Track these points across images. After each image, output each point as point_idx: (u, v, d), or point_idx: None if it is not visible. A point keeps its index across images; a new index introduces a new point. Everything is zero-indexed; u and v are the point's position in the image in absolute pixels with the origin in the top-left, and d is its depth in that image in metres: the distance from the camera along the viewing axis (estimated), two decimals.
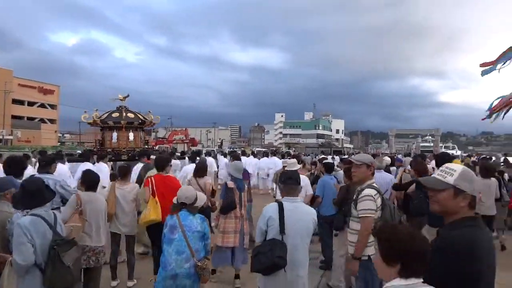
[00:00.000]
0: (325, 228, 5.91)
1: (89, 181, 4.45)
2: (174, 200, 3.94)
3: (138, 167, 7.77)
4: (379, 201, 3.61)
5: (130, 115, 14.13)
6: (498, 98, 26.56)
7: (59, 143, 58.07)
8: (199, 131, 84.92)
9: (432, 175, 2.21)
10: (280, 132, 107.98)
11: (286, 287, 3.28)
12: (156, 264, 5.43)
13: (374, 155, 19.82)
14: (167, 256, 3.63)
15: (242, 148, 46.22)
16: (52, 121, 62.18)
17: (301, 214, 3.36)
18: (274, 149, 54.34)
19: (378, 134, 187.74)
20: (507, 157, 16.49)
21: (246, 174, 7.36)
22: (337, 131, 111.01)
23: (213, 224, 5.83)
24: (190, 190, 4.03)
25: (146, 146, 15.11)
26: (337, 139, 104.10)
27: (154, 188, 5.32)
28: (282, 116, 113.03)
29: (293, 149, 56.85)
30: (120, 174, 5.73)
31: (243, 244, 5.39)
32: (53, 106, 61.55)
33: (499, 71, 23.20)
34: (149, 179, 5.48)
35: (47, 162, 5.58)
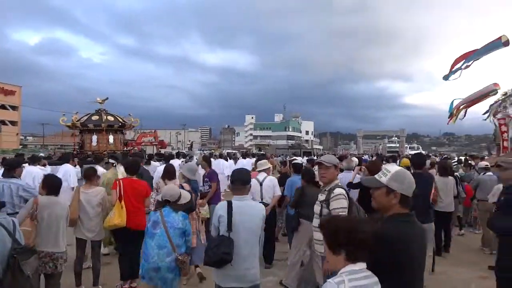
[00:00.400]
0: (290, 227, 6.04)
1: (50, 185, 4.32)
2: (159, 197, 4.17)
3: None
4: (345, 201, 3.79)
5: (110, 118, 14.01)
6: (455, 99, 27.65)
7: (21, 146, 55.89)
8: (168, 133, 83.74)
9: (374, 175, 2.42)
10: (251, 134, 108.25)
11: (237, 279, 3.41)
12: (122, 270, 5.34)
13: (342, 156, 20.28)
14: (149, 249, 3.86)
15: (236, 151, 45.95)
16: (13, 123, 59.74)
17: (250, 211, 3.49)
18: (245, 151, 54.34)
19: (346, 135, 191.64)
20: (468, 157, 17.17)
21: (215, 176, 7.34)
22: (307, 133, 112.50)
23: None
24: (174, 188, 4.22)
25: (126, 149, 15.07)
26: (306, 141, 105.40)
27: (122, 191, 5.22)
28: (252, 117, 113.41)
29: (264, 150, 57.09)
30: (85, 177, 5.56)
31: (201, 242, 5.45)
32: (14, 108, 59.22)
33: (460, 75, 24.17)
34: (117, 182, 5.38)
35: (11, 166, 5.43)
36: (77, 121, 13.54)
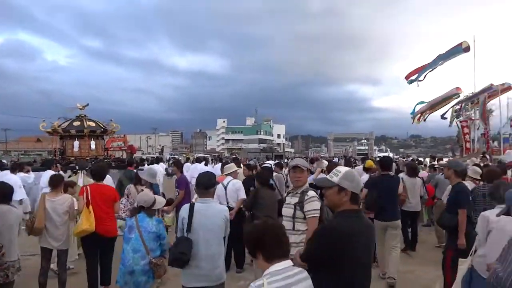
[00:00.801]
0: None
1: (1, 193, 4.22)
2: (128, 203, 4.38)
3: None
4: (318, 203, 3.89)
5: (91, 123, 14.06)
6: (419, 103, 28.62)
7: None
8: (138, 137, 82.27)
9: (325, 176, 2.66)
10: (223, 138, 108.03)
11: (201, 278, 3.51)
12: (90, 279, 5.18)
13: (313, 159, 20.50)
14: (125, 254, 4.03)
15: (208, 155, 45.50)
16: None
17: (211, 213, 3.61)
18: (217, 155, 54.12)
19: (318, 138, 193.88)
20: (433, 159, 17.76)
21: (183, 183, 7.24)
22: (279, 136, 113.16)
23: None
24: (148, 194, 4.38)
25: (107, 155, 15.28)
26: (278, 144, 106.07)
27: (89, 197, 5.09)
28: (224, 121, 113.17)
29: (235, 154, 57.01)
30: (50, 185, 5.38)
31: None
32: None
33: (423, 79, 24.99)
34: (84, 188, 5.25)
35: None
36: (58, 127, 13.46)
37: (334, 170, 2.55)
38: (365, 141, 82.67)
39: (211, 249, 3.54)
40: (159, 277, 4.18)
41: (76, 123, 13.99)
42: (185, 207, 3.65)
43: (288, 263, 2.04)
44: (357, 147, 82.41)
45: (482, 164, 11.22)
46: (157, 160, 14.08)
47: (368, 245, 2.46)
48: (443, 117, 27.99)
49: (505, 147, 20.69)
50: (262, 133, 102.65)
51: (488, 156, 16.07)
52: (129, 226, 4.13)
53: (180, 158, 26.94)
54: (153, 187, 5.66)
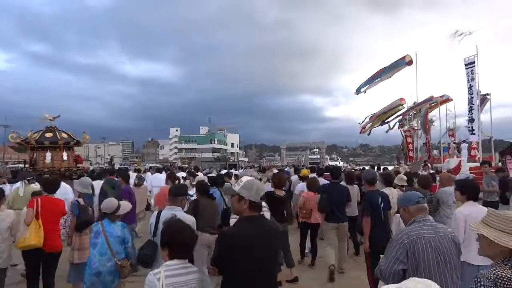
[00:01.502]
0: None
1: None
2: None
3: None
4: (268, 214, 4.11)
5: (64, 135, 14.19)
6: (368, 116, 29.71)
7: None
8: (86, 147, 78.92)
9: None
10: (175, 147, 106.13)
11: None
12: None
13: (265, 168, 20.51)
14: (92, 257, 4.28)
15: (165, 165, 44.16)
16: None
17: None
18: (169, 164, 53.02)
19: (271, 147, 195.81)
20: (377, 168, 18.46)
21: (126, 195, 6.95)
22: (232, 145, 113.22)
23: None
24: (112, 201, 4.57)
25: (78, 166, 15.52)
26: (232, 153, 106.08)
27: (39, 210, 4.86)
28: (177, 130, 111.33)
29: (188, 164, 56.24)
30: None
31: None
32: None
33: (365, 92, 26.03)
34: (34, 200, 5.01)
35: None
36: (32, 137, 13.40)
37: (238, 180, 2.80)
38: (317, 150, 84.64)
39: None
40: (124, 277, 4.44)
41: (49, 135, 13.87)
42: (154, 214, 4.02)
43: (183, 261, 2.48)
44: (310, 156, 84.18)
45: (425, 172, 11.83)
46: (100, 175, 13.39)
47: (267, 249, 2.62)
48: (390, 125, 29.36)
49: (444, 155, 22.00)
50: (216, 142, 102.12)
51: (429, 164, 16.95)
52: (96, 232, 4.38)
53: (131, 167, 26.11)
54: (86, 197, 5.49)
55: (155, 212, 4.05)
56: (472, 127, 17.67)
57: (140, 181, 9.06)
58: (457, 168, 14.07)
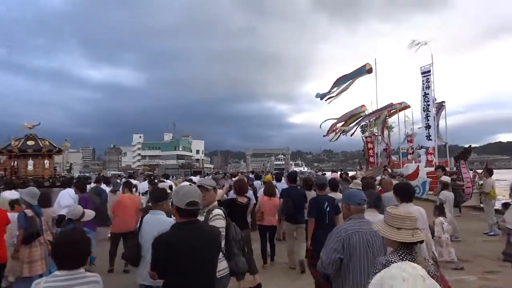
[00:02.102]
0: None
1: None
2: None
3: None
4: (223, 221, 3.93)
5: (46, 142, 14.26)
6: (328, 119, 30.29)
7: None
8: None
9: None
10: (139, 154, 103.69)
11: (146, 277, 3.65)
12: None
13: (232, 174, 20.42)
14: None
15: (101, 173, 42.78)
16: None
17: (157, 223, 3.94)
18: (132, 172, 51.75)
19: (237, 154, 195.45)
20: (343, 173, 18.81)
21: (84, 202, 6.75)
22: (197, 152, 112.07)
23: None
24: (77, 208, 4.79)
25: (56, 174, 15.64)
26: (197, 160, 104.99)
27: None
28: (140, 137, 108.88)
29: (154, 171, 55.16)
30: None
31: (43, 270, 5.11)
32: None
33: (327, 102, 26.59)
34: None
35: None
36: (15, 146, 13.56)
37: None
38: (282, 156, 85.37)
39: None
40: None
41: (30, 143, 14.00)
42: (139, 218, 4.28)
43: (76, 272, 2.41)
44: (275, 162, 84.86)
45: (385, 177, 12.17)
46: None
47: (198, 252, 2.69)
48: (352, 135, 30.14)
49: (403, 160, 22.80)
50: (180, 148, 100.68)
51: (389, 169, 17.47)
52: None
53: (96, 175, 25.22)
54: (34, 208, 5.25)
55: (141, 217, 4.30)
56: (428, 133, 18.41)
57: (115, 188, 9.35)
58: (415, 173, 14.57)
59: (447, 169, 16.17)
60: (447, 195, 7.77)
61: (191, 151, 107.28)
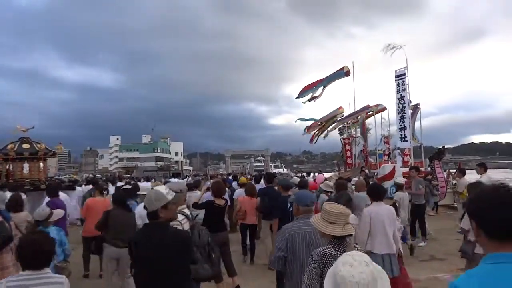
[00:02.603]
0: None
1: None
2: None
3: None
4: (186, 225, 4.04)
5: (41, 146, 14.49)
6: (309, 119, 30.58)
7: None
8: None
9: None
10: (116, 156, 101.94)
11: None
12: None
13: (213, 176, 20.31)
14: None
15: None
16: None
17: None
18: (109, 174, 50.90)
19: (216, 156, 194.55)
20: (321, 173, 19.02)
21: (53, 206, 6.59)
22: (176, 154, 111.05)
23: None
24: (44, 209, 4.86)
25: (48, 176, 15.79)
26: (176, 162, 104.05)
27: None
28: (117, 139, 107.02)
29: (131, 173, 54.42)
30: None
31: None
32: None
33: (309, 100, 26.88)
34: None
35: None
36: (12, 149, 13.75)
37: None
38: (262, 157, 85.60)
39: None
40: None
41: (26, 146, 14.21)
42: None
43: (39, 272, 2.58)
44: (254, 164, 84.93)
45: (361, 177, 12.36)
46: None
47: (162, 251, 2.85)
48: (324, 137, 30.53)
49: (380, 161, 23.18)
50: (159, 150, 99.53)
51: (367, 171, 17.74)
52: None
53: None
54: (2, 213, 5.18)
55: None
56: (404, 134, 18.79)
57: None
58: (392, 173, 14.85)
59: (422, 169, 16.56)
60: (401, 196, 8.03)
61: (170, 153, 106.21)
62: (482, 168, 8.99)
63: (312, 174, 20.57)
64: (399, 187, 8.18)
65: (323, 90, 25.87)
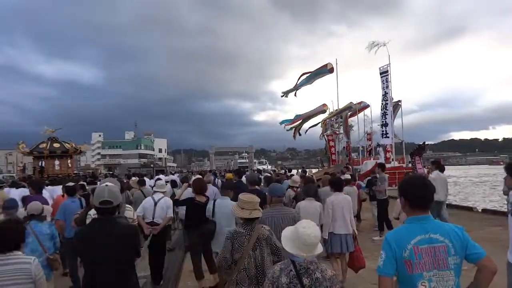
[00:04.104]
0: (68, 250, 6.09)
1: None
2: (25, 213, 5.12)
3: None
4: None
5: (70, 145, 16.77)
6: (296, 116, 30.67)
7: None
8: None
9: None
10: (99, 153, 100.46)
11: None
12: None
13: (202, 172, 20.19)
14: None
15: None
16: None
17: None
18: (91, 171, 50.12)
19: (200, 152, 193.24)
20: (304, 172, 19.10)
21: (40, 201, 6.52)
22: (160, 150, 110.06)
23: None
24: (37, 204, 5.05)
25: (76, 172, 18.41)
26: (160, 158, 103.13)
27: None
28: (100, 135, 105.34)
29: (113, 171, 53.71)
30: None
31: None
32: None
33: (295, 94, 26.94)
34: None
35: None
36: (45, 148, 15.71)
37: None
38: (246, 154, 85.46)
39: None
40: (56, 269, 4.85)
41: (56, 145, 16.24)
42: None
43: (8, 254, 2.93)
44: (238, 160, 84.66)
45: (348, 174, 12.48)
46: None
47: (108, 247, 2.96)
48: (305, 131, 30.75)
49: (363, 158, 23.47)
50: (142, 147, 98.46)
51: (350, 167, 17.90)
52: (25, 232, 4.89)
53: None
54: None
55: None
56: (386, 131, 19.03)
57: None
58: (373, 169, 15.04)
59: (403, 165, 16.80)
60: (348, 190, 8.35)
61: (153, 150, 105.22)
62: (434, 165, 10.03)
63: (296, 171, 20.63)
64: (346, 181, 8.46)
65: (305, 84, 26.03)
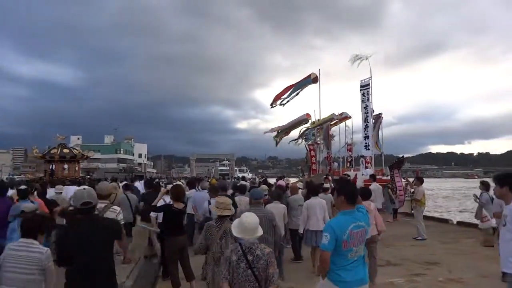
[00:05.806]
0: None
1: None
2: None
3: None
4: (120, 215, 4.96)
5: (77, 151, 19.18)
6: (271, 130, 30.53)
7: None
8: None
9: None
10: None
11: None
12: None
13: (198, 179, 19.97)
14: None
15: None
16: None
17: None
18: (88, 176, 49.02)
19: (181, 158, 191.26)
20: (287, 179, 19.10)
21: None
22: (140, 155, 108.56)
23: None
24: (30, 206, 5.39)
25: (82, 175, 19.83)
26: (140, 164, 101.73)
27: None
28: (78, 138, 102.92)
29: (91, 175, 52.72)
30: None
31: None
32: None
33: (283, 106, 27.04)
34: None
35: None
36: (56, 153, 17.42)
37: None
38: (227, 161, 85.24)
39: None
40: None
41: (66, 150, 18.52)
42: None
43: (30, 241, 3.39)
44: (219, 168, 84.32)
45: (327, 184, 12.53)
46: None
47: (93, 244, 3.25)
48: (294, 142, 30.87)
49: (343, 168, 23.65)
50: (122, 152, 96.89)
51: (330, 177, 18.00)
52: (12, 229, 5.18)
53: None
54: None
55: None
56: (367, 143, 19.26)
57: None
58: (354, 180, 15.18)
59: (384, 177, 17.01)
60: (324, 198, 8.67)
61: (133, 155, 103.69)
62: (371, 178, 12.50)
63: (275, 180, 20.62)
64: (324, 190, 8.75)
65: (294, 96, 26.18)
